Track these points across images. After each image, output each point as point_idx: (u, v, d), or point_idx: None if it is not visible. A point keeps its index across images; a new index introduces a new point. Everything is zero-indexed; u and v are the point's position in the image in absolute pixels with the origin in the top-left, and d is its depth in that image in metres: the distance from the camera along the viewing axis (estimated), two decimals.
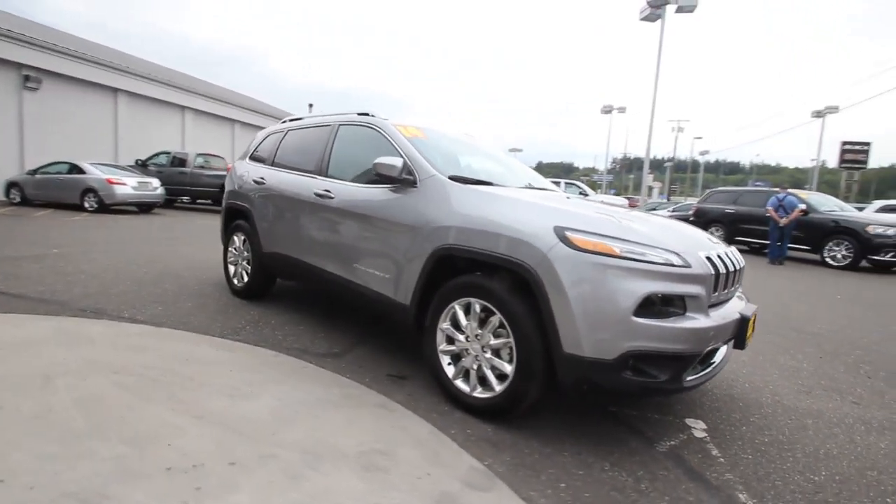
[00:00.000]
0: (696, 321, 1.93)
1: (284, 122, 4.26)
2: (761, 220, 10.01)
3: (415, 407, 2.34)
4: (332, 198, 3.06)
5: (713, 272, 2.02)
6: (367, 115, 3.33)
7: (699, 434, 2.27)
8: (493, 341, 2.18)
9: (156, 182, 12.28)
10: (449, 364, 2.41)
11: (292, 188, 3.47)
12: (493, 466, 1.89)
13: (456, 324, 2.36)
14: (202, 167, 14.02)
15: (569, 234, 1.98)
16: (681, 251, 1.98)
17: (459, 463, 1.90)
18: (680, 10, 16.84)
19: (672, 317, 1.92)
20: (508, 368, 2.13)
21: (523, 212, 2.19)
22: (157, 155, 14.63)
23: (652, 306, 1.90)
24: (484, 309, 2.22)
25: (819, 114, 29.92)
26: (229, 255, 4.27)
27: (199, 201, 14.69)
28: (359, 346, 3.14)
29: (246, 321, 3.49)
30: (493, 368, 2.20)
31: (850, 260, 9.09)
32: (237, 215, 4.19)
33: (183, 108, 19.73)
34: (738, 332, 2.15)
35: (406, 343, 3.25)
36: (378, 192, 2.80)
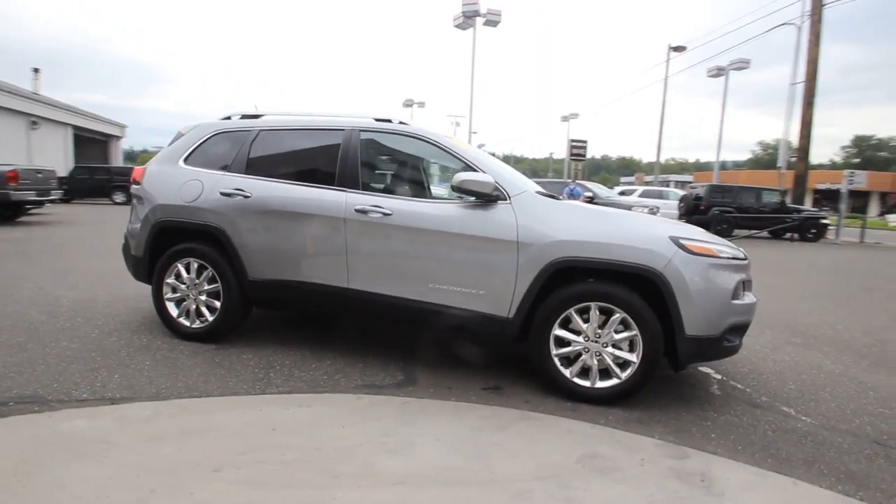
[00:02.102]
0: (752, 297, 2.71)
1: (228, 118, 3.49)
2: None
3: (548, 411, 2.51)
4: (388, 214, 2.81)
5: (749, 260, 2.85)
6: (389, 121, 3.11)
7: (719, 377, 3.13)
8: (616, 336, 2.54)
9: None
10: (561, 365, 2.65)
11: (311, 202, 2.96)
12: (665, 438, 2.29)
13: (568, 327, 2.61)
14: None
15: (683, 241, 2.49)
16: (735, 248, 2.72)
17: (645, 445, 2.23)
18: (487, 23, 19.48)
19: (741, 297, 2.65)
20: (632, 357, 2.53)
21: (637, 224, 2.59)
22: None
23: (736, 290, 2.58)
24: (602, 310, 2.55)
25: (566, 118, 39.12)
26: (167, 289, 3.29)
27: None
28: (416, 368, 3.01)
29: (259, 368, 2.87)
30: (615, 359, 2.57)
31: None
32: (186, 236, 3.26)
33: None
34: None
35: (448, 353, 3.24)
36: (457, 209, 2.75)
